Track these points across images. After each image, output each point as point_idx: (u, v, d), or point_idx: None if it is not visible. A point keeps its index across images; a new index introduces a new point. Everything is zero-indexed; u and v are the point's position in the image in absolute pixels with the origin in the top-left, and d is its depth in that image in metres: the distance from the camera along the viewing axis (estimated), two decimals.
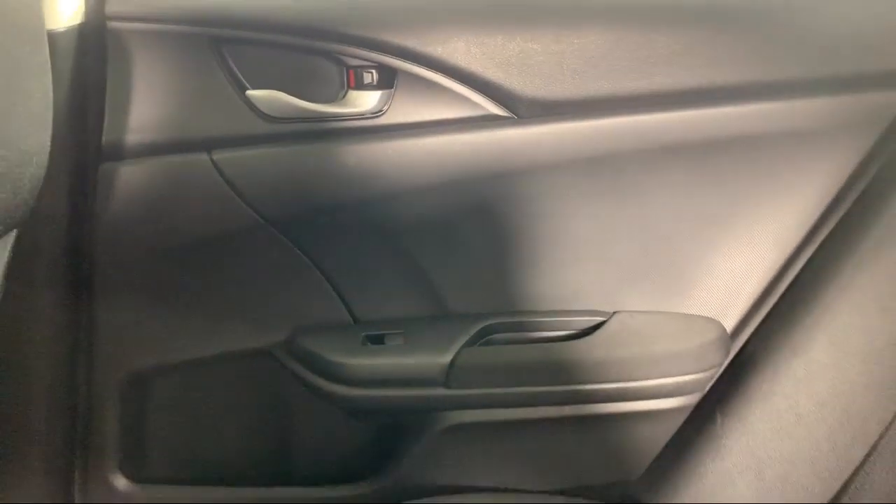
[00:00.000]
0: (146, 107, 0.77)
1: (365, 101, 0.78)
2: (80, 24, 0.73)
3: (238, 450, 0.93)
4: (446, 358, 0.84)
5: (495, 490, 0.88)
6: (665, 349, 0.86)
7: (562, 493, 0.88)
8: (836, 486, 0.78)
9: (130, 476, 0.90)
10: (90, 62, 0.75)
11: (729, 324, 0.88)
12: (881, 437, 0.77)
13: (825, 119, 0.82)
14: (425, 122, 0.79)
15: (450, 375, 0.84)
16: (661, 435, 0.90)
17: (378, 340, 0.86)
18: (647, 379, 0.86)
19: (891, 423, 0.77)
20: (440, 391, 0.84)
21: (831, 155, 0.84)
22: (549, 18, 0.79)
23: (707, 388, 0.88)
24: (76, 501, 0.89)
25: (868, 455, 0.77)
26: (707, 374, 0.87)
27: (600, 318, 0.88)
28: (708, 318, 0.88)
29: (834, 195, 0.85)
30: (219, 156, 0.78)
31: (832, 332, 0.82)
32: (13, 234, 0.61)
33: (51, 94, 0.59)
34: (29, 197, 0.58)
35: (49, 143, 0.59)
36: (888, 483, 0.76)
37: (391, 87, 0.78)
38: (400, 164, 0.80)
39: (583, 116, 0.80)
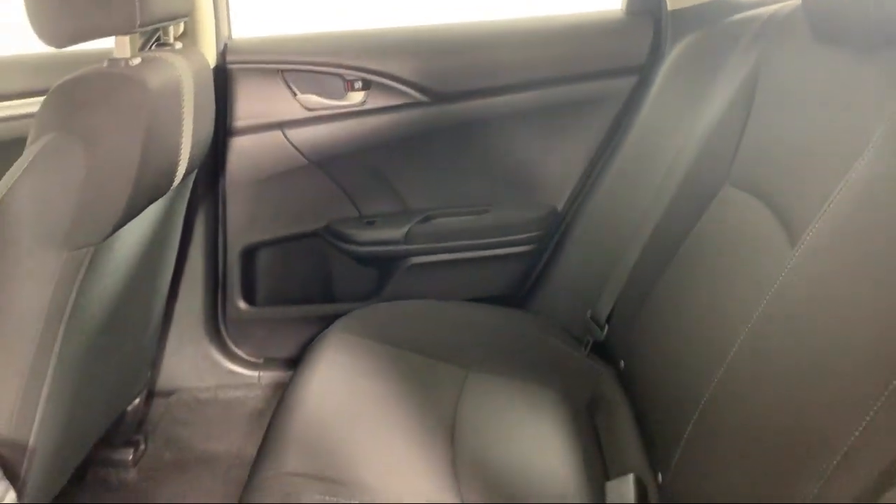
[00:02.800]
0: (249, 106, 1.50)
1: (355, 97, 1.51)
2: (216, 66, 1.46)
3: (305, 284, 1.67)
4: (405, 230, 1.57)
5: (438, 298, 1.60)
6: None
7: (473, 300, 1.59)
8: None
9: (247, 301, 1.65)
10: (220, 85, 1.48)
11: (560, 203, 1.59)
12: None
13: (580, 96, 1.52)
14: (385, 106, 1.51)
15: (407, 239, 1.57)
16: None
17: (371, 223, 1.60)
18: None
19: None
20: (403, 247, 1.57)
21: (591, 114, 1.53)
22: (445, 50, 1.50)
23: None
24: (221, 317, 1.65)
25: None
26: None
27: (484, 208, 1.60)
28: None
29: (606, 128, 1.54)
30: (287, 131, 1.52)
31: None
32: (195, 172, 1.34)
33: (213, 102, 1.31)
34: (204, 151, 1.31)
35: (212, 127, 1.32)
36: None
37: (368, 88, 1.50)
38: (375, 127, 1.52)
39: (463, 100, 1.51)
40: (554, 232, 1.59)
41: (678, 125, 1.34)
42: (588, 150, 1.54)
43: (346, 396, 1.19)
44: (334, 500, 0.95)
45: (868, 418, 0.63)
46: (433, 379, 1.27)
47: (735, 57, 1.22)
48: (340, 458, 1.04)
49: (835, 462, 0.65)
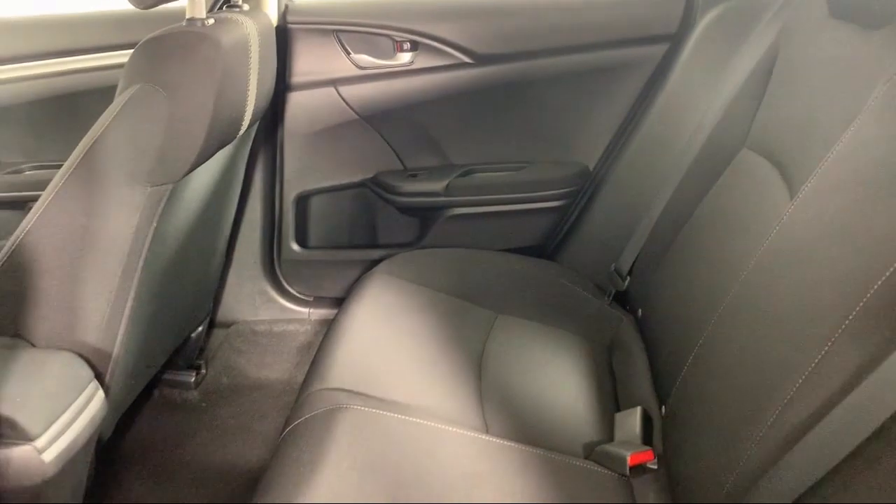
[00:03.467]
0: (306, 64, 1.62)
1: (404, 58, 1.61)
2: (278, 26, 1.58)
3: (352, 230, 1.80)
4: (445, 183, 1.68)
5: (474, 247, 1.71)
6: None
7: (507, 250, 1.70)
8: None
9: (300, 243, 1.80)
10: (281, 44, 1.59)
11: (592, 163, 1.68)
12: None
13: (614, 61, 1.59)
14: (432, 66, 1.61)
15: (447, 191, 1.68)
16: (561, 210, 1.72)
17: (414, 176, 1.71)
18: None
19: None
20: (443, 199, 1.69)
21: (623, 79, 1.61)
22: (489, 15, 1.59)
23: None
24: (276, 258, 1.80)
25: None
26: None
27: (520, 164, 1.70)
28: None
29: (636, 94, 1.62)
30: (340, 88, 1.63)
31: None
32: (257, 123, 1.46)
33: (275, 59, 1.43)
34: (265, 104, 1.43)
35: (274, 83, 1.44)
36: None
37: (416, 49, 1.60)
38: (421, 86, 1.62)
39: (504, 62, 1.60)
40: (584, 189, 1.69)
41: (704, 91, 1.41)
42: (619, 112, 1.62)
43: (386, 329, 1.32)
44: (372, 411, 1.09)
45: (823, 352, 0.73)
46: (465, 319, 1.39)
47: (759, 28, 1.29)
48: (378, 379, 1.18)
49: (794, 388, 0.75)
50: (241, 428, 1.62)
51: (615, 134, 1.64)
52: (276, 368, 1.77)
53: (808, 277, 0.83)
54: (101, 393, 1.09)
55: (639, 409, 1.17)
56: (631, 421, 1.15)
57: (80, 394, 1.04)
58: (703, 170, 1.30)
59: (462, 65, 1.60)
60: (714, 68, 1.41)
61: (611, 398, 1.29)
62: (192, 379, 1.70)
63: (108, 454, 1.47)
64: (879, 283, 0.70)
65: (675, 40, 1.54)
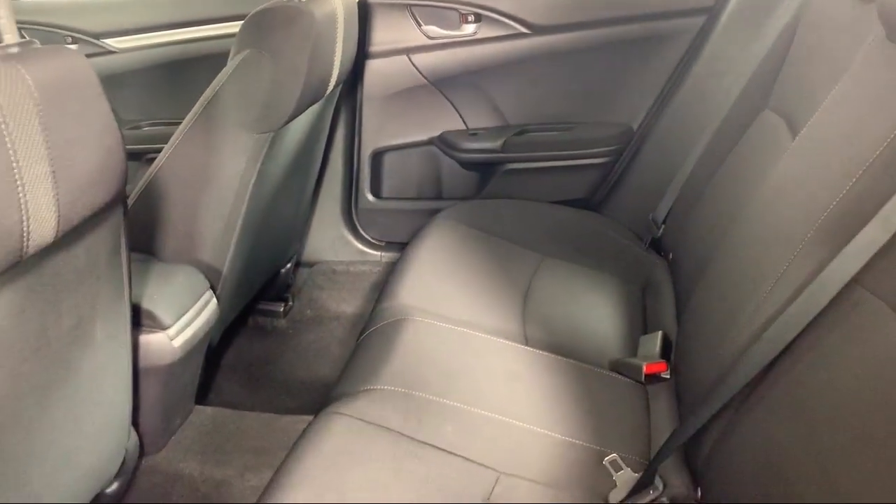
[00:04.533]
0: (382, 34, 1.83)
1: (468, 29, 1.80)
2: (359, 1, 1.79)
3: (420, 183, 2.02)
4: (502, 141, 1.87)
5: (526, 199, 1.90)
6: None
7: (556, 202, 1.88)
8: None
9: (374, 194, 2.02)
10: (361, 17, 1.81)
11: (635, 123, 1.84)
12: None
13: (657, 31, 1.74)
14: (493, 36, 1.80)
15: (504, 148, 1.87)
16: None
17: (474, 134, 1.91)
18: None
19: None
20: (500, 155, 1.88)
21: (665, 47, 1.76)
22: None
23: None
24: (353, 206, 2.03)
25: None
26: None
27: (569, 124, 1.88)
28: None
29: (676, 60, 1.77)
30: (412, 56, 1.84)
31: None
32: (340, 86, 1.69)
33: (357, 30, 1.64)
34: (348, 69, 1.64)
35: (356, 50, 1.66)
36: None
37: (479, 21, 1.79)
38: (483, 54, 1.82)
39: (558, 32, 1.77)
40: (627, 147, 1.85)
41: (734, 59, 1.56)
42: (660, 77, 1.77)
43: (445, 263, 1.53)
44: (433, 323, 1.31)
45: (789, 262, 0.91)
46: (514, 259, 1.59)
47: (786, 1, 1.43)
48: (437, 300, 1.40)
49: (769, 288, 0.93)
50: (321, 351, 1.87)
51: (656, 97, 1.79)
52: (351, 303, 2.00)
53: (787, 207, 1.00)
54: (214, 300, 1.34)
55: (660, 332, 1.35)
56: (652, 342, 1.33)
57: (199, 298, 1.29)
58: (730, 129, 1.45)
59: (520, 35, 1.78)
60: (745, 38, 1.55)
61: (639, 327, 1.47)
62: (281, 309, 1.96)
63: (212, 362, 1.74)
64: (830, 208, 0.86)
65: (712, 13, 1.67)
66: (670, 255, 1.58)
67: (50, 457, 0.98)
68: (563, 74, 1.83)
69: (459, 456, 1.04)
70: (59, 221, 0.78)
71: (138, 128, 2.09)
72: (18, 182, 0.70)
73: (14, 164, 0.69)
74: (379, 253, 2.07)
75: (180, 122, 1.31)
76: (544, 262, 1.59)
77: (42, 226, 0.75)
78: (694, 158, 1.56)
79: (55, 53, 0.77)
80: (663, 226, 1.63)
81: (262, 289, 1.90)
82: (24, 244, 0.73)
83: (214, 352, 1.73)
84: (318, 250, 2.08)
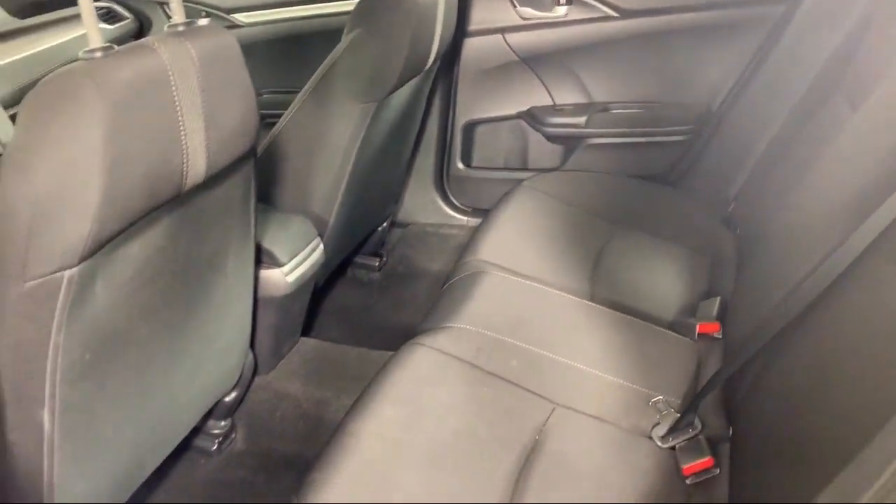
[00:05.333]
0: (479, 14, 1.97)
1: (560, 11, 1.92)
2: None
3: (507, 154, 2.15)
4: (586, 117, 1.99)
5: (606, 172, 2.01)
6: None
7: (634, 176, 1.98)
8: None
9: (465, 163, 2.18)
10: (461, 1, 1.96)
11: (715, 104, 1.91)
12: None
13: (739, 18, 1.81)
14: (583, 18, 1.91)
15: (587, 123, 1.99)
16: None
17: (560, 110, 2.03)
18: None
19: None
20: (583, 130, 2.00)
21: (746, 33, 1.82)
22: None
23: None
24: (445, 173, 2.19)
25: None
26: None
27: (652, 103, 1.97)
28: None
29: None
30: (506, 35, 1.97)
31: None
32: (438, 62, 1.85)
33: (455, 10, 1.79)
34: (446, 46, 1.80)
35: (454, 29, 1.81)
36: None
37: (570, 3, 1.91)
38: (573, 35, 1.93)
39: (645, 16, 1.87)
40: (705, 127, 1.93)
41: (811, 47, 1.62)
42: (740, 62, 1.84)
43: (522, 227, 1.68)
44: (508, 276, 1.46)
45: (829, 227, 1.01)
46: (589, 227, 1.71)
47: None
48: (513, 257, 1.55)
49: (806, 254, 1.04)
50: (410, 301, 2.06)
51: (735, 81, 1.86)
52: (438, 262, 2.18)
53: (838, 183, 1.09)
54: (321, 246, 1.55)
55: (719, 298, 1.45)
56: (710, 306, 1.44)
57: (309, 243, 1.50)
58: (802, 113, 1.53)
59: (608, 18, 1.89)
60: (822, 26, 1.60)
61: (701, 294, 1.57)
62: (377, 264, 2.16)
63: (316, 304, 1.96)
64: (865, 183, 0.96)
65: (792, 2, 1.73)
66: (738, 230, 1.67)
67: (187, 362, 1.20)
68: (647, 56, 1.93)
69: (522, 387, 1.20)
70: (207, 165, 0.98)
71: (260, 95, 2.33)
72: (182, 131, 0.90)
73: (180, 118, 0.89)
74: (466, 218, 2.23)
75: (297, 92, 1.51)
76: (618, 231, 1.71)
77: (196, 168, 0.95)
78: (767, 139, 1.64)
79: (211, 31, 0.97)
80: (734, 202, 1.72)
81: (361, 244, 2.10)
82: (183, 181, 0.94)
83: (318, 295, 1.95)
84: (411, 212, 2.26)
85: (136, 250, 0.94)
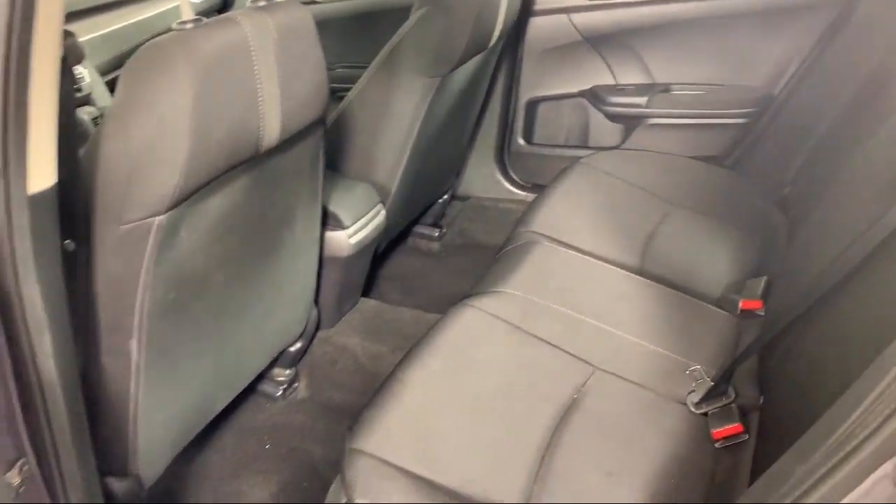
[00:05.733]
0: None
1: None
2: None
3: (568, 132, 2.20)
4: (647, 97, 2.02)
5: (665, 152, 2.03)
6: None
7: (692, 157, 2.00)
8: None
9: (526, 140, 2.24)
10: None
11: (776, 89, 1.91)
12: None
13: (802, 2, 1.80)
14: (646, 0, 1.93)
15: (648, 104, 2.02)
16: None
17: (622, 90, 2.06)
18: None
19: None
20: (644, 110, 2.03)
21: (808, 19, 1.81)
22: None
23: None
24: (506, 149, 2.25)
25: None
26: None
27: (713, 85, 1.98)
28: None
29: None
30: (571, 15, 2.01)
31: None
32: (503, 39, 1.90)
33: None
34: (511, 25, 1.86)
35: (518, 8, 1.86)
36: None
37: None
38: (636, 17, 1.96)
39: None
40: (765, 111, 1.93)
41: (876, 32, 1.60)
42: (804, 46, 1.83)
43: (577, 202, 1.73)
44: (559, 248, 1.52)
45: (867, 212, 1.04)
46: (644, 205, 1.75)
47: None
48: (564, 229, 1.60)
49: (842, 234, 1.06)
50: (466, 272, 2.13)
51: (798, 65, 1.86)
52: (495, 235, 2.24)
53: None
54: (383, 212, 1.64)
55: (765, 277, 1.48)
56: (756, 284, 1.47)
57: (372, 209, 1.59)
58: (863, 98, 1.52)
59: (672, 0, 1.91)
60: (888, 10, 1.59)
61: (750, 274, 1.59)
62: (436, 235, 2.24)
63: (377, 269, 2.06)
64: None
65: None
66: (791, 213, 1.68)
67: (258, 310, 1.32)
68: (710, 38, 1.93)
69: (563, 350, 1.27)
70: (281, 130, 1.07)
71: (332, 69, 2.42)
72: (260, 98, 1.00)
73: (259, 85, 0.99)
74: (524, 193, 2.29)
75: (366, 67, 1.60)
76: (673, 210, 1.74)
77: (271, 132, 1.05)
78: (826, 124, 1.64)
79: (289, 7, 1.06)
80: (790, 186, 1.73)
81: (421, 215, 2.19)
82: (259, 143, 1.04)
83: (379, 261, 2.05)
84: (471, 186, 2.33)
85: (217, 204, 1.04)
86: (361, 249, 1.56)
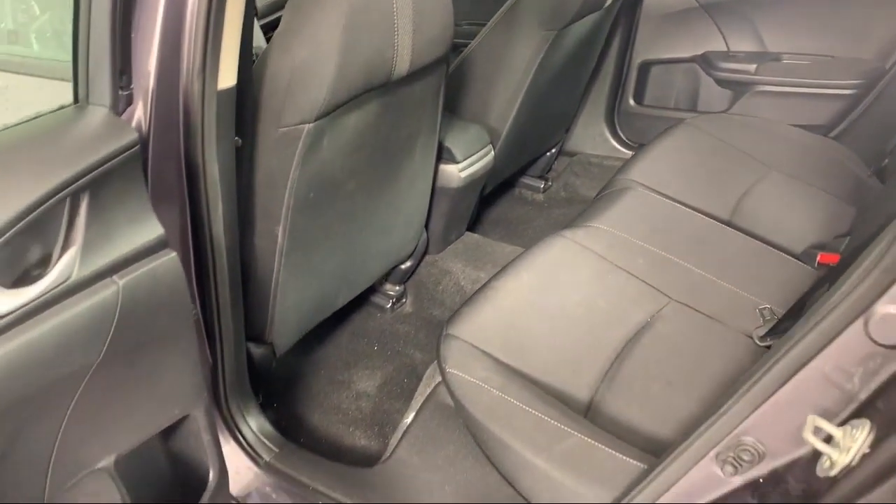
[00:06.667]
0: None
1: None
2: None
3: (677, 95, 2.27)
4: (757, 64, 2.06)
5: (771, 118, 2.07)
6: None
7: (797, 125, 2.03)
8: None
9: (636, 100, 2.33)
10: None
11: (888, 62, 1.91)
12: None
13: None
14: None
15: (757, 71, 2.06)
16: None
17: (733, 56, 2.11)
18: None
19: None
20: (753, 77, 2.08)
21: None
22: None
23: None
24: (616, 108, 2.36)
25: None
26: None
27: (825, 56, 2.00)
28: None
29: None
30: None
31: None
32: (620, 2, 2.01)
33: None
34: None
35: None
36: None
37: None
38: None
39: None
40: (874, 84, 1.94)
41: None
42: None
43: (677, 157, 1.83)
44: (653, 194, 1.64)
45: None
46: (742, 166, 1.82)
47: None
48: (661, 180, 1.71)
49: None
50: (568, 223, 2.27)
51: None
52: (596, 191, 2.36)
53: None
54: (492, 153, 1.80)
55: (849, 237, 1.54)
56: (839, 243, 1.53)
57: (482, 149, 1.76)
58: None
59: None
60: None
61: (835, 236, 1.65)
62: (542, 186, 2.38)
63: (483, 212, 2.23)
64: None
65: None
66: (888, 184, 1.71)
67: (378, 222, 1.52)
68: (823, 9, 1.96)
69: (644, 281, 1.40)
70: (411, 62, 1.25)
71: (458, 25, 2.59)
72: (396, 32, 1.18)
73: (395, 21, 1.17)
74: (630, 152, 2.38)
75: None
76: (770, 173, 1.81)
77: (402, 62, 1.23)
78: None
79: None
80: (889, 157, 1.75)
81: (529, 165, 2.34)
82: (391, 72, 1.22)
83: (486, 204, 2.22)
84: (580, 142, 2.45)
85: (353, 121, 1.24)
86: (470, 184, 1.74)
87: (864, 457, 0.62)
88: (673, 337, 1.29)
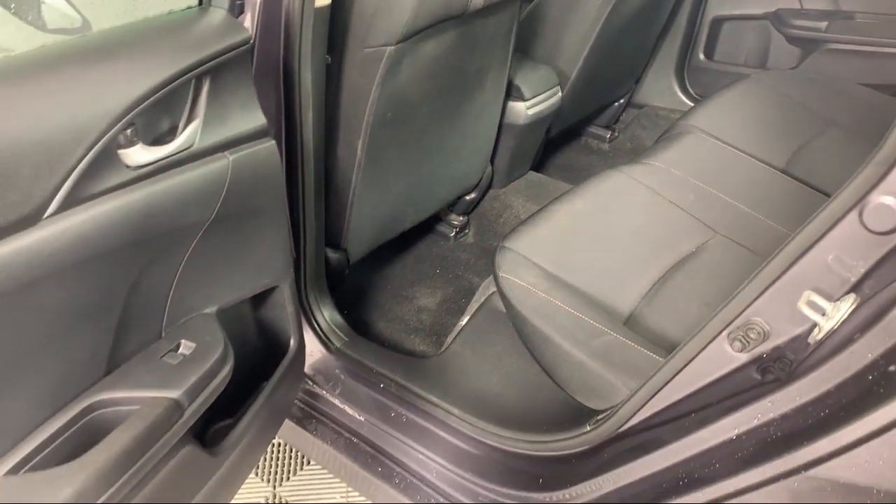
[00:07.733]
0: None
1: None
2: None
3: (748, 52, 2.31)
4: (827, 23, 2.08)
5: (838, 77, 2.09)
6: None
7: (866, 84, 2.05)
8: None
9: (707, 56, 2.37)
10: None
11: None
12: None
13: None
14: None
15: (828, 29, 2.08)
16: None
17: (805, 13, 2.13)
18: None
19: None
20: (824, 34, 2.09)
21: None
22: None
23: None
24: (686, 62, 2.40)
25: None
26: None
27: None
28: None
29: None
30: None
31: None
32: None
33: None
34: None
35: None
36: None
37: None
38: None
39: None
40: None
41: None
42: None
43: (739, 108, 1.87)
44: (711, 139, 1.71)
45: None
46: (803, 121, 1.86)
47: None
48: (720, 126, 1.77)
49: None
50: None
51: None
52: None
53: None
54: (559, 95, 1.90)
55: None
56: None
57: (550, 89, 1.86)
58: None
59: None
60: None
61: None
62: (608, 136, 2.46)
63: (546, 158, 2.33)
64: None
65: None
66: None
67: (447, 149, 1.64)
68: None
69: (692, 215, 1.48)
70: None
71: None
72: None
73: None
74: (693, 104, 2.43)
75: None
76: (830, 129, 1.84)
77: None
78: None
79: None
80: None
81: (596, 115, 2.42)
82: (468, 3, 1.33)
83: (551, 150, 2.32)
84: (648, 95, 2.51)
85: (430, 48, 1.36)
86: (536, 122, 1.84)
87: (844, 323, 0.72)
88: (716, 266, 1.38)
